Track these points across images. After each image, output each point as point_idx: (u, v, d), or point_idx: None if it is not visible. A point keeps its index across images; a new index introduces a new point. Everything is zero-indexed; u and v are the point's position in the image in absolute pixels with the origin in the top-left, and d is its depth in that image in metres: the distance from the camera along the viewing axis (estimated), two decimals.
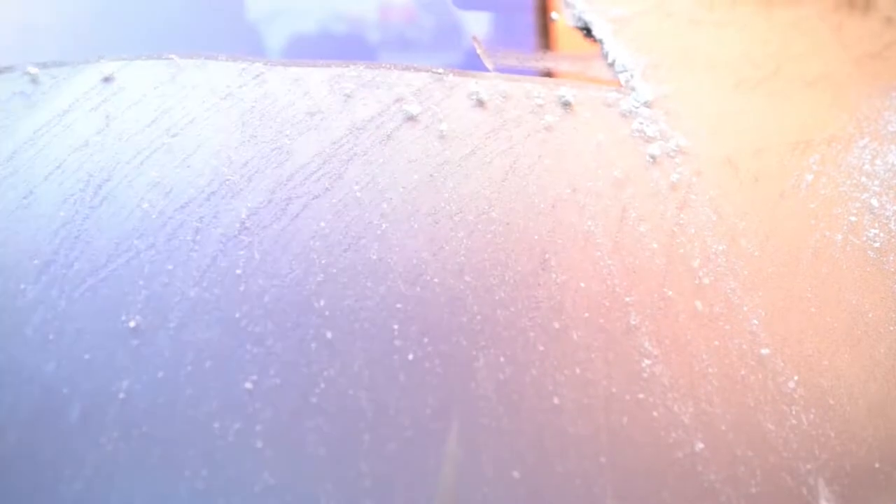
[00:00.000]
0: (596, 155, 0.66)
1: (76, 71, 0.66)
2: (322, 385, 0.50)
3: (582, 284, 0.57)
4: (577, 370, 0.53)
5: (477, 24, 0.95)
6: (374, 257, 0.57)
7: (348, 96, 0.65)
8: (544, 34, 0.85)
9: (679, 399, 0.52)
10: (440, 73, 0.67)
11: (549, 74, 0.70)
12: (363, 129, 0.64)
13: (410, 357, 0.52)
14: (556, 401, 0.51)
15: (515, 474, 0.48)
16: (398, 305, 0.54)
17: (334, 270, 0.56)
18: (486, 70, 0.70)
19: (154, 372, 0.50)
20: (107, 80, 0.65)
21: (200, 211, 0.58)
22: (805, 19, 0.85)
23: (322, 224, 0.58)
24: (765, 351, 0.55)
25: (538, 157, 0.65)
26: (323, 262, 0.56)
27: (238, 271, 0.55)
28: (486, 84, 0.67)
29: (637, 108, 0.70)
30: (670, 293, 0.57)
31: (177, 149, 0.62)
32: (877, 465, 0.51)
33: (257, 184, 0.60)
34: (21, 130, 0.61)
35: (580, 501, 0.47)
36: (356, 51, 0.91)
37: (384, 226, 0.59)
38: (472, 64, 0.82)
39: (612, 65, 0.76)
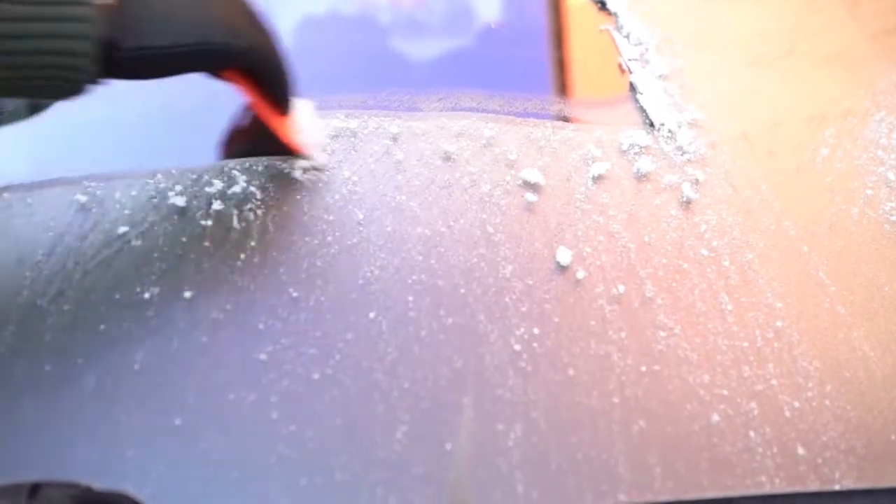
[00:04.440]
0: (610, 127, 0.66)
1: None
2: (337, 357, 0.50)
3: (600, 258, 0.57)
4: (592, 342, 0.52)
5: (488, 4, 0.95)
6: (389, 229, 0.57)
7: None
8: (556, 10, 0.84)
9: (694, 371, 0.52)
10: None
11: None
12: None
13: (425, 328, 0.52)
14: (571, 372, 0.51)
15: (530, 444, 0.48)
16: (413, 277, 0.54)
17: (348, 242, 0.56)
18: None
19: (169, 343, 0.50)
20: None
21: (213, 184, 0.58)
22: None
23: (337, 197, 0.58)
24: (780, 323, 0.55)
25: (552, 129, 0.65)
26: (337, 234, 0.56)
27: (252, 243, 0.55)
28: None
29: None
30: (685, 266, 0.57)
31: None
32: (893, 438, 0.51)
33: (266, 161, 0.60)
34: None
35: (594, 471, 0.47)
36: (364, 32, 0.90)
37: (399, 197, 0.59)
38: (483, 49, 0.81)
39: (626, 38, 0.76)
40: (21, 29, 0.45)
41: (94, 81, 0.49)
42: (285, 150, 0.60)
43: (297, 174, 0.60)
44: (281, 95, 0.57)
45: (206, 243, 0.55)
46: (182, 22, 0.50)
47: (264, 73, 0.55)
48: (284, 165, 0.60)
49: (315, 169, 0.60)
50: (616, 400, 0.50)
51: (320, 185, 0.59)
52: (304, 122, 0.60)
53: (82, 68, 0.47)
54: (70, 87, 0.48)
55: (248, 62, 0.54)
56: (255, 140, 0.62)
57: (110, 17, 0.48)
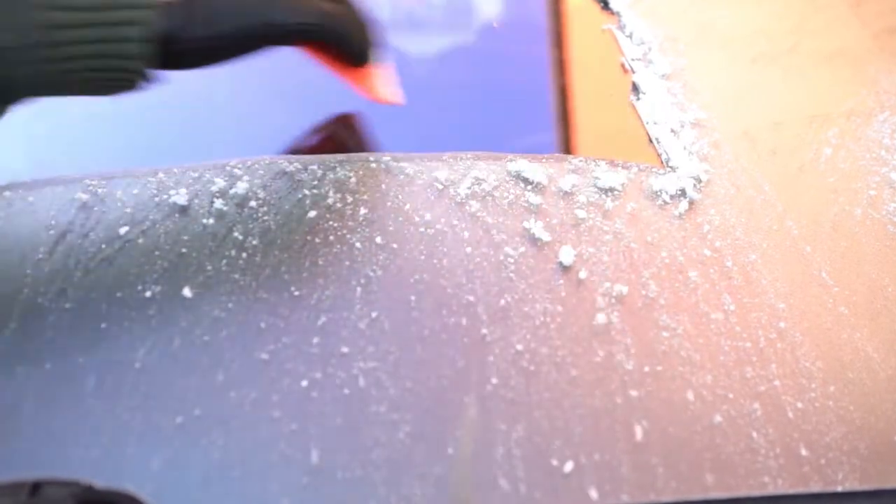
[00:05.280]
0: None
1: None
2: (338, 356, 0.50)
3: (602, 258, 0.57)
4: (595, 342, 0.52)
5: (488, 2, 0.95)
6: (391, 228, 0.56)
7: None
8: (557, 9, 0.84)
9: (697, 372, 0.52)
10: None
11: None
12: None
13: (427, 328, 0.52)
14: (573, 372, 0.51)
15: (532, 444, 0.47)
16: (415, 276, 0.54)
17: (350, 241, 0.56)
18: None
19: (170, 341, 0.50)
20: None
21: (215, 182, 0.58)
22: None
23: (339, 196, 0.58)
24: (783, 324, 0.55)
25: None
26: (339, 233, 0.56)
27: (255, 242, 0.55)
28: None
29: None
30: (688, 266, 0.57)
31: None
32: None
33: (269, 160, 0.60)
34: None
35: (597, 472, 0.47)
36: None
37: (400, 196, 0.59)
38: (483, 47, 0.81)
39: (629, 37, 0.76)
40: (74, 35, 0.47)
41: (148, 79, 0.51)
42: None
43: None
44: (358, 55, 0.58)
45: (208, 242, 0.55)
46: (244, 7, 0.52)
47: (338, 41, 0.56)
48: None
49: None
50: (619, 400, 0.50)
51: (321, 184, 0.59)
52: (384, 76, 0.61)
53: (135, 69, 0.50)
54: (124, 85, 0.51)
55: (315, 35, 0.55)
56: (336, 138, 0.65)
57: (172, 11, 0.50)
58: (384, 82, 0.61)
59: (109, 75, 0.50)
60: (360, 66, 0.60)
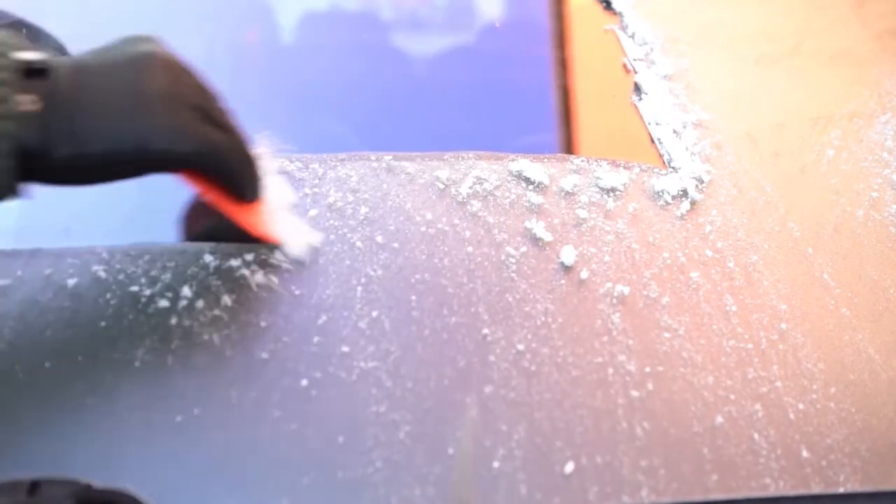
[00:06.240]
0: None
1: None
2: (339, 355, 0.50)
3: (604, 258, 0.57)
4: (596, 343, 0.52)
5: (491, 2, 0.95)
6: (392, 228, 0.56)
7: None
8: (559, 9, 0.84)
9: (699, 373, 0.51)
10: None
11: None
12: None
13: (428, 328, 0.52)
14: (575, 373, 0.51)
15: (534, 445, 0.47)
16: (416, 276, 0.54)
17: (353, 239, 0.55)
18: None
19: (170, 340, 0.50)
20: None
21: None
22: None
23: (340, 195, 0.58)
24: (785, 325, 0.55)
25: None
26: (340, 232, 0.56)
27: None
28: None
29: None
30: (690, 267, 0.57)
31: None
32: None
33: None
34: None
35: (598, 473, 0.47)
36: (367, 29, 0.90)
37: (402, 195, 0.58)
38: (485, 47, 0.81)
39: (631, 37, 0.75)
40: None
41: (15, 195, 0.45)
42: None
43: (258, 273, 0.54)
44: (241, 190, 0.52)
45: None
46: (118, 126, 0.46)
47: (219, 172, 0.50)
48: (253, 254, 0.55)
49: (293, 262, 0.55)
50: (620, 401, 0.50)
51: (322, 183, 0.59)
52: (277, 212, 0.56)
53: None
54: None
55: (196, 165, 0.49)
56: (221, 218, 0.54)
57: (37, 124, 0.44)
58: (267, 221, 0.55)
59: None
60: (243, 201, 0.53)
